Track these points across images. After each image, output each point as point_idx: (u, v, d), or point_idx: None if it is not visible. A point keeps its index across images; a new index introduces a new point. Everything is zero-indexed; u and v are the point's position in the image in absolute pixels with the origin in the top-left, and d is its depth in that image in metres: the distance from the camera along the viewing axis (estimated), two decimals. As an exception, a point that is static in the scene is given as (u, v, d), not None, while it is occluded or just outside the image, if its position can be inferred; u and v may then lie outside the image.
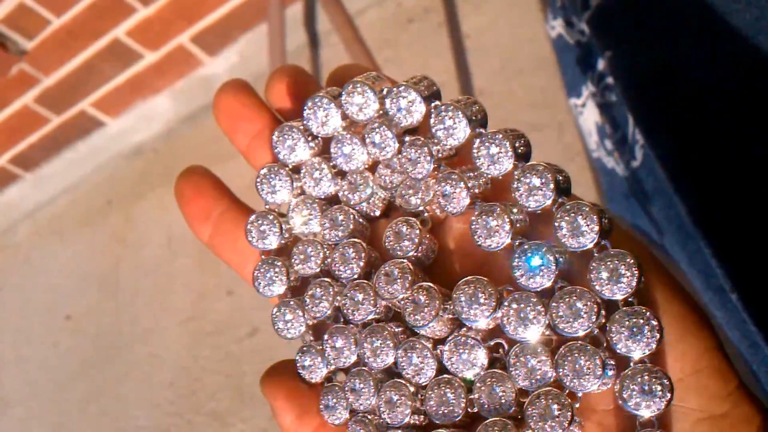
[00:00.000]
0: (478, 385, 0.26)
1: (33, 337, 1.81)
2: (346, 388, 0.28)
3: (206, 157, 1.69)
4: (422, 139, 0.28)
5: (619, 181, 0.50)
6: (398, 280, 0.27)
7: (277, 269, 0.30)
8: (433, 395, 0.27)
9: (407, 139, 0.28)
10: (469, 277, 0.26)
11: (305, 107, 0.29)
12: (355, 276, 0.28)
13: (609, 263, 0.24)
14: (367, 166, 0.30)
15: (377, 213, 0.30)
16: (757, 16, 0.39)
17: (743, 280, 0.38)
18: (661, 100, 0.43)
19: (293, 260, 0.30)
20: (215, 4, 1.60)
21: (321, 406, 0.29)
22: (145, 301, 1.67)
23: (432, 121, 0.27)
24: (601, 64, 0.48)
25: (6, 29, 1.56)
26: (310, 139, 0.30)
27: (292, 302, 0.30)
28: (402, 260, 0.28)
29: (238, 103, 0.31)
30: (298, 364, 0.30)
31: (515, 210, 0.26)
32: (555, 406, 0.24)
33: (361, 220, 0.30)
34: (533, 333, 0.25)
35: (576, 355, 0.24)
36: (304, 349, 0.30)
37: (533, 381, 0.25)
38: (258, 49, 1.65)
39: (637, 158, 0.46)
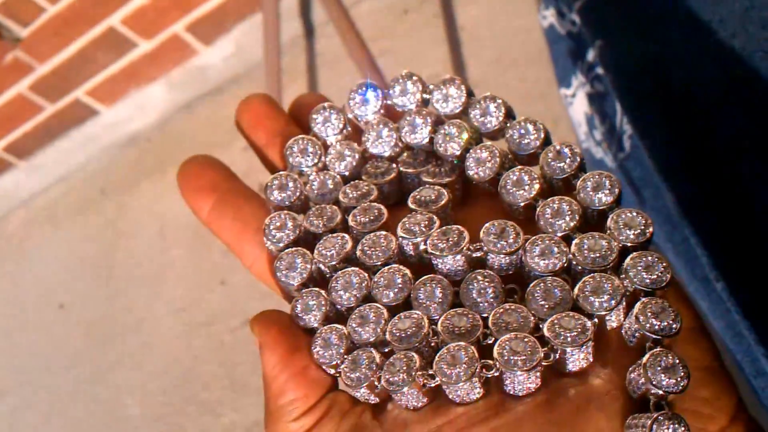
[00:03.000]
0: (498, 310, 0.27)
1: (26, 325, 1.81)
2: (354, 316, 0.28)
3: (200, 146, 1.69)
4: (460, 120, 0.31)
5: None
6: (424, 222, 0.29)
7: (290, 219, 0.31)
8: (449, 318, 0.27)
9: (446, 123, 0.31)
10: (497, 219, 0.29)
11: (352, 89, 0.33)
12: (375, 227, 0.30)
13: (628, 213, 0.28)
14: (392, 155, 0.32)
15: (391, 197, 0.32)
16: (746, 7, 0.39)
17: (729, 269, 0.38)
18: (650, 90, 0.43)
19: (308, 215, 0.31)
20: (211, -7, 1.59)
21: (317, 345, 0.28)
22: (138, 290, 1.67)
23: (474, 106, 0.31)
24: (590, 54, 0.48)
25: (0, 16, 1.55)
26: (344, 121, 0.32)
27: (301, 249, 0.30)
28: (427, 214, 0.30)
29: (265, 105, 0.33)
30: (298, 305, 0.29)
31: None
32: (576, 321, 0.26)
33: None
34: (555, 264, 0.27)
35: (598, 278, 0.27)
36: (306, 291, 0.29)
37: (551, 305, 0.27)
38: (253, 39, 1.64)
39: (625, 149, 0.46)
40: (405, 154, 0.32)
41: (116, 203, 1.81)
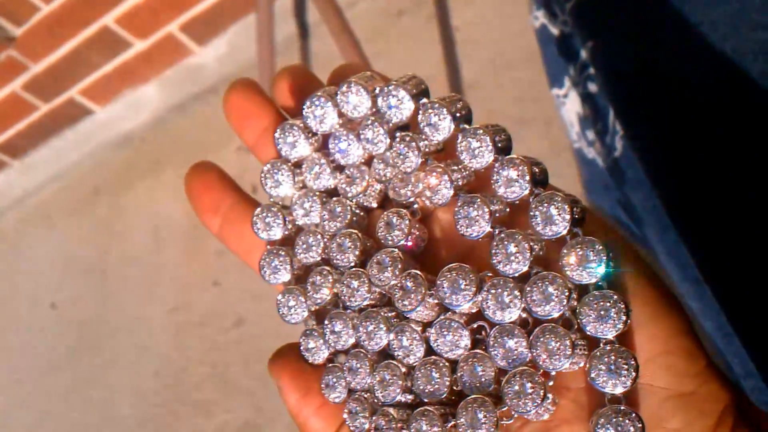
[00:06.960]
0: (461, 365, 0.28)
1: (18, 324, 1.80)
2: (345, 368, 0.30)
3: (194, 146, 1.69)
4: (411, 135, 0.29)
5: (600, 172, 0.50)
6: (389, 268, 0.29)
7: (281, 258, 0.32)
8: (420, 375, 0.28)
9: (398, 135, 0.30)
10: (452, 264, 0.28)
11: (304, 106, 0.31)
12: (352, 264, 0.30)
13: (578, 249, 0.26)
14: (363, 161, 0.32)
15: (373, 204, 0.32)
16: (738, 9, 0.39)
17: (718, 271, 0.38)
18: (641, 92, 0.43)
19: (296, 249, 0.32)
20: (205, -7, 1.59)
21: (322, 385, 0.31)
22: (131, 290, 1.67)
23: (419, 117, 0.29)
24: (583, 55, 0.48)
25: (-6, 15, 1.55)
26: (309, 135, 0.32)
27: (295, 289, 0.32)
28: (393, 249, 0.29)
29: (247, 101, 0.33)
30: (301, 347, 0.32)
31: (495, 201, 0.28)
32: (528, 384, 0.26)
33: (357, 211, 0.32)
34: (510, 316, 0.27)
35: (548, 336, 0.26)
36: (307, 332, 0.32)
37: (510, 361, 0.27)
38: (247, 40, 1.64)
39: (618, 149, 0.46)
40: (375, 161, 0.31)
41: (110, 203, 1.80)
